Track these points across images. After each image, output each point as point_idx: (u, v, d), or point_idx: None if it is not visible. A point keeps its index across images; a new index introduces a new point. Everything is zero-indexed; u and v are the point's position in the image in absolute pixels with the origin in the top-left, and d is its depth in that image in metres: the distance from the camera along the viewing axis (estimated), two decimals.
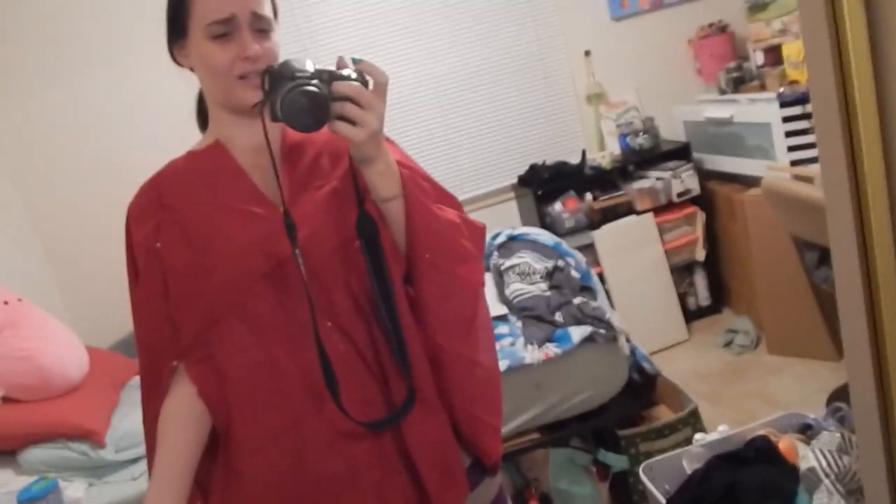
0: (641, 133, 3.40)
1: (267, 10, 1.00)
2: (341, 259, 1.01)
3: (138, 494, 1.99)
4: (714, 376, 2.94)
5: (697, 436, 1.82)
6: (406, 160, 1.07)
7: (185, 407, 1.01)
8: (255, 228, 1.00)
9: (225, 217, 1.01)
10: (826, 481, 1.43)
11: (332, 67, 0.91)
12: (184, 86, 1.16)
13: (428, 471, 1.02)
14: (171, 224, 1.02)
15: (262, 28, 0.99)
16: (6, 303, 2.24)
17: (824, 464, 1.46)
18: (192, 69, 1.04)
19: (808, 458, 1.50)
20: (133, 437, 2.19)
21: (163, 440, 1.01)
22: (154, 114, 3.03)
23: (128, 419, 2.27)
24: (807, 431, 1.72)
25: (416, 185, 1.00)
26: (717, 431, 1.76)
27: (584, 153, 3.43)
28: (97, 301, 3.02)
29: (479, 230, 1.10)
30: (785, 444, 1.63)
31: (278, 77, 0.89)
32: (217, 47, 0.98)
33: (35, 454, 2.05)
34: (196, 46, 1.00)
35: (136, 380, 2.56)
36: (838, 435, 1.54)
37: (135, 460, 2.13)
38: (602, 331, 2.15)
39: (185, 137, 1.16)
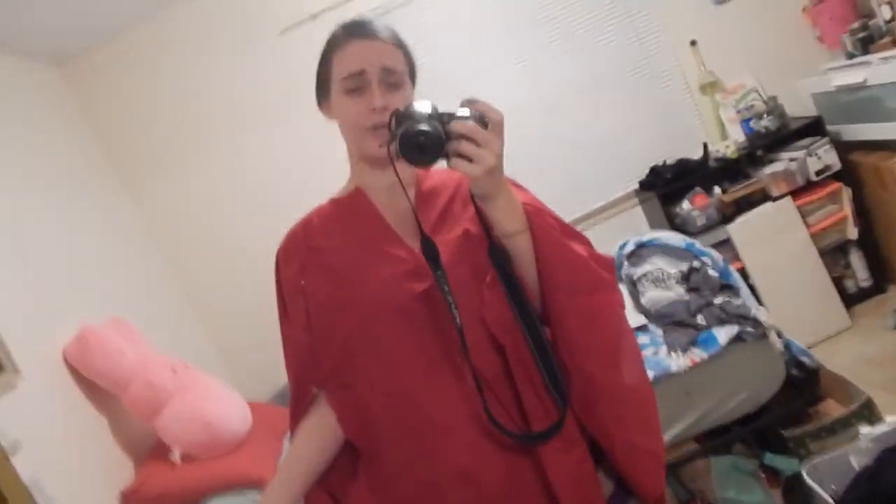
0: (765, 115, 3.21)
1: (398, 65, 1.10)
2: (475, 292, 1.03)
3: None
4: (887, 361, 2.68)
5: (864, 429, 1.68)
6: (534, 202, 1.08)
7: (317, 424, 1.14)
8: (391, 265, 1.07)
9: (364, 255, 1.10)
10: None
11: (450, 109, 0.97)
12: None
13: (569, 502, 1.01)
14: (316, 263, 1.12)
15: (392, 82, 1.08)
16: (175, 371, 2.46)
17: None
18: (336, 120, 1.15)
19: None
20: None
21: (292, 449, 1.16)
22: (296, 178, 3.21)
23: None
24: None
25: (542, 219, 1.02)
26: (887, 423, 1.61)
27: (705, 146, 3.29)
28: (253, 360, 3.27)
29: (608, 262, 1.11)
30: None
31: (401, 118, 0.98)
32: (350, 100, 1.08)
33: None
34: (335, 101, 1.12)
35: None
36: None
37: None
38: (749, 328, 2.06)
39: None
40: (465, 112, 0.96)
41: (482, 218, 1.02)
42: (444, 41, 3.36)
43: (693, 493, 2.19)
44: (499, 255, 1.01)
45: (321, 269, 1.11)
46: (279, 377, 3.23)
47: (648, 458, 1.05)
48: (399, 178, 1.02)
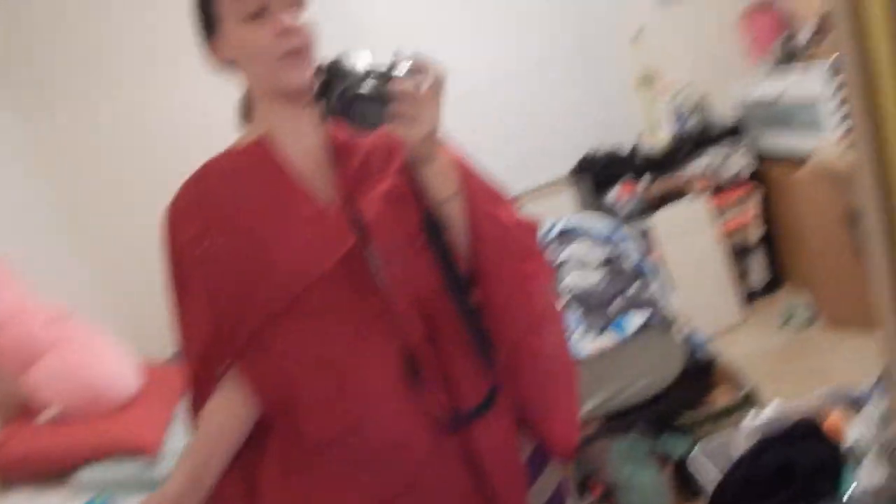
0: (695, 114, 3.37)
1: None
2: (402, 256, 0.99)
3: None
4: (774, 355, 2.93)
5: (748, 417, 1.85)
6: (459, 157, 1.04)
7: (227, 405, 1.01)
8: (309, 225, 0.98)
9: (276, 214, 0.99)
10: (870, 453, 1.44)
11: (387, 63, 0.90)
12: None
13: (495, 470, 1.02)
14: (217, 224, 0.99)
15: (294, 2, 0.97)
16: (54, 320, 2.23)
17: (868, 436, 1.47)
18: (231, 63, 1.01)
19: (855, 429, 1.52)
20: None
21: (198, 439, 1.01)
22: (200, 125, 3.03)
23: (185, 432, 2.29)
24: (855, 404, 1.72)
25: (474, 183, 1.00)
26: (769, 409, 1.78)
27: (638, 137, 3.43)
28: (151, 313, 3.08)
29: (534, 227, 1.10)
30: (832, 419, 1.64)
31: (331, 75, 0.89)
32: (252, 28, 0.95)
33: (89, 474, 1.98)
34: (230, 35, 0.97)
35: None
36: (882, 405, 1.53)
37: None
38: (658, 317, 2.20)
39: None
40: (405, 69, 0.89)
41: (414, 182, 0.98)
42: None
43: (592, 471, 2.34)
44: (433, 223, 0.98)
45: (226, 231, 0.98)
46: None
47: (565, 424, 1.09)
48: (320, 144, 0.98)
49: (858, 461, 1.46)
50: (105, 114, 3.11)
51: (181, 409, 2.29)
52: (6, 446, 1.98)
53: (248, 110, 1.08)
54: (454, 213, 0.98)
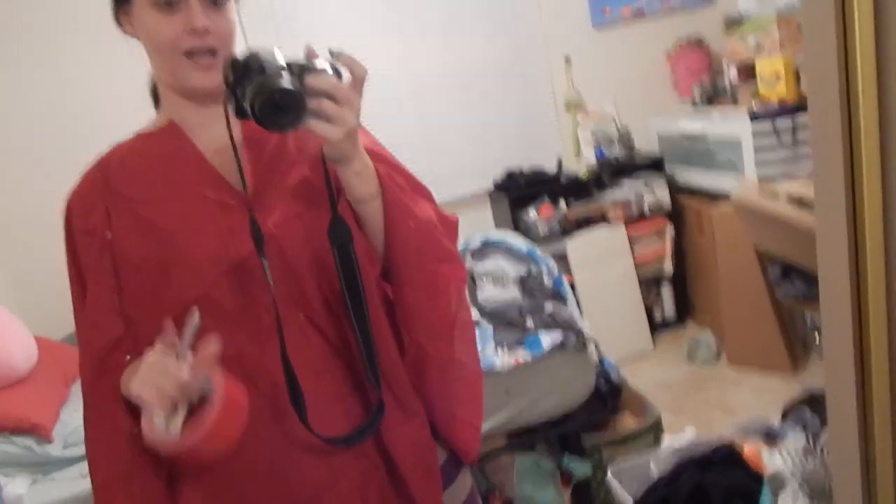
0: (617, 144, 3.42)
1: None
2: (312, 255, 0.95)
3: (85, 492, 1.92)
4: (677, 386, 2.97)
5: (666, 440, 1.84)
6: (377, 148, 1.00)
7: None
8: (219, 217, 0.93)
9: (185, 205, 0.94)
10: (792, 482, 1.46)
11: (302, 59, 0.84)
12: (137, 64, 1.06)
13: (409, 472, 0.99)
14: (122, 212, 0.93)
15: (214, 0, 0.91)
16: None
17: (790, 465, 1.49)
18: (138, 39, 0.95)
19: (774, 461, 1.53)
20: (83, 432, 2.11)
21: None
22: (109, 98, 2.92)
23: (77, 414, 2.18)
24: (770, 437, 1.76)
25: (394, 182, 0.94)
26: (684, 437, 1.78)
27: (559, 161, 3.44)
28: (50, 292, 2.91)
29: (453, 224, 1.07)
30: (749, 448, 1.66)
31: (244, 70, 0.81)
32: (161, 17, 0.89)
33: None
34: (139, 15, 0.91)
35: None
36: (803, 438, 1.58)
37: (82, 458, 2.04)
38: (573, 337, 2.15)
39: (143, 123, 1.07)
40: (324, 64, 0.84)
41: (330, 186, 0.92)
42: None
43: (494, 485, 2.25)
44: (339, 235, 0.91)
45: (130, 219, 0.93)
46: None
47: (468, 429, 1.08)
48: (229, 127, 0.89)
49: (779, 489, 1.46)
50: (21, 81, 2.98)
51: (77, 390, 2.27)
52: None
53: (156, 94, 1.02)
54: (371, 213, 0.93)
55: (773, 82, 2.80)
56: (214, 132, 0.95)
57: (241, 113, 0.83)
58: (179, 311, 0.87)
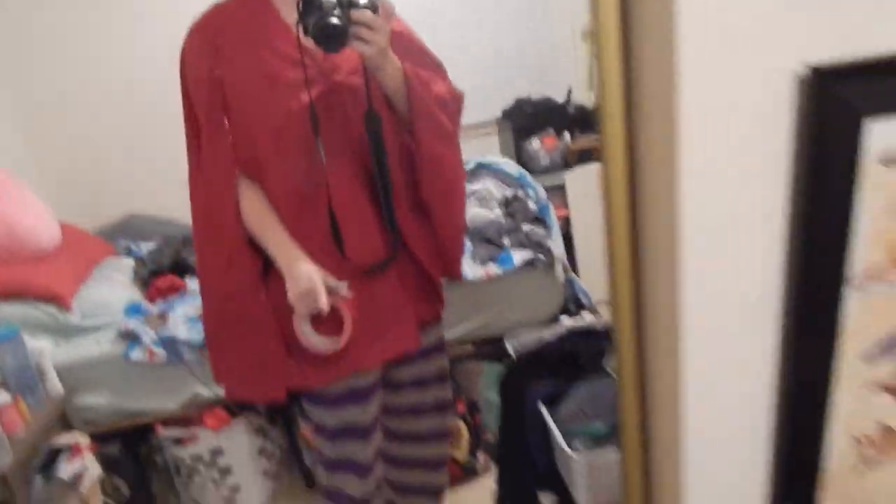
0: None
1: None
2: (358, 118, 1.32)
3: (102, 355, 2.18)
4: None
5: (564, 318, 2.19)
6: (405, 31, 1.43)
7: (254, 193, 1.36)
8: (296, 71, 1.26)
9: (274, 60, 1.28)
10: None
11: None
12: None
13: (428, 263, 1.50)
14: (228, 59, 1.28)
15: None
16: None
17: None
18: None
19: None
20: (102, 307, 2.36)
21: (258, 203, 1.35)
22: None
23: (98, 291, 2.43)
24: None
25: (417, 78, 1.32)
26: (586, 317, 2.02)
27: (569, 91, 3.48)
28: (82, 188, 3.14)
29: (460, 98, 1.48)
30: None
31: (308, 6, 1.17)
32: None
33: (2, 309, 2.15)
34: None
35: (112, 261, 2.72)
36: None
37: (100, 328, 2.29)
38: (542, 256, 2.30)
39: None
40: (364, 2, 1.19)
41: (367, 81, 1.29)
42: None
43: (461, 389, 2.46)
44: (371, 120, 1.31)
45: (235, 66, 1.27)
46: (106, 212, 3.13)
47: (457, 257, 1.58)
48: (303, 59, 1.25)
49: None
50: None
51: (99, 272, 2.56)
52: None
53: None
54: (399, 98, 1.34)
55: None
56: (293, 17, 1.24)
57: (306, 33, 1.19)
58: (259, 150, 1.32)
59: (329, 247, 1.35)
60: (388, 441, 1.72)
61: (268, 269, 1.39)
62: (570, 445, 1.61)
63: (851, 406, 0.85)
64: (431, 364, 1.67)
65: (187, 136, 1.38)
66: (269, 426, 2.49)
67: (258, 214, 1.35)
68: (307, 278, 1.31)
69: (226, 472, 2.33)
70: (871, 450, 0.87)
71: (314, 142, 1.28)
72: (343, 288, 1.35)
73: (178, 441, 2.28)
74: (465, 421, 2.36)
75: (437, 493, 1.94)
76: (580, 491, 1.60)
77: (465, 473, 2.36)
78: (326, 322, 1.37)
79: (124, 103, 3.15)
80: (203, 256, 1.43)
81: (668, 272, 0.82)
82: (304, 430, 2.35)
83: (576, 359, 1.79)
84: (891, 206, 0.74)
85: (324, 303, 1.32)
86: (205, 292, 1.46)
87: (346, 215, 1.35)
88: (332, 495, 1.61)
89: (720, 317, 0.84)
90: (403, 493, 1.88)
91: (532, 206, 2.62)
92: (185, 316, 2.30)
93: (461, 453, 2.35)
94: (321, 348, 1.36)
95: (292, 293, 1.32)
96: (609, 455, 1.49)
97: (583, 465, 1.54)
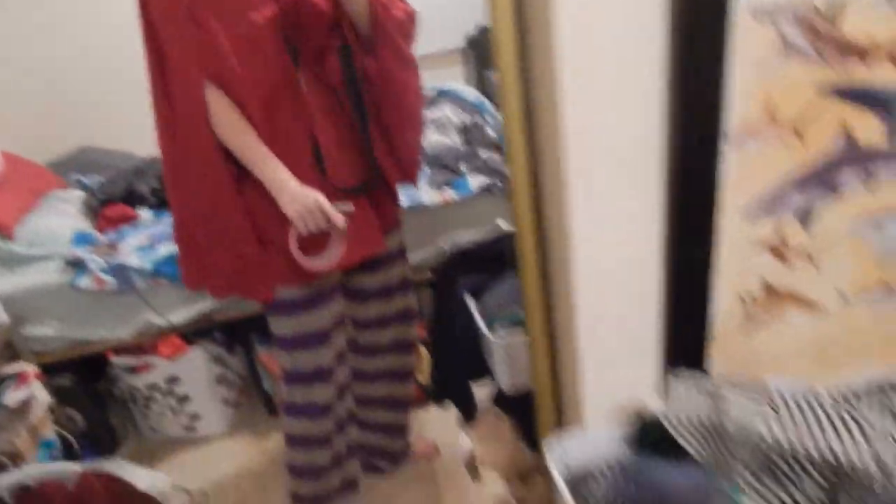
0: None
1: None
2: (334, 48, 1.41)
3: (49, 284, 2.13)
4: None
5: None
6: None
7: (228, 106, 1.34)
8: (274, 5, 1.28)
9: None
10: None
11: None
12: None
13: (389, 170, 1.59)
14: None
15: None
16: None
17: None
18: None
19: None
20: (48, 237, 2.29)
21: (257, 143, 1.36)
22: None
23: (45, 221, 2.34)
24: None
25: (379, 3, 1.38)
26: None
27: None
28: (35, 119, 3.02)
29: (414, 16, 1.49)
30: None
31: None
32: None
33: None
34: None
35: (61, 193, 2.64)
36: None
37: (46, 257, 2.21)
38: (499, 183, 2.27)
39: None
40: None
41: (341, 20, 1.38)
42: None
43: (421, 312, 2.46)
44: (346, 53, 1.40)
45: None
46: (58, 145, 3.01)
47: (416, 158, 1.65)
48: None
49: None
50: None
51: (47, 203, 2.48)
52: None
53: None
54: (363, 23, 1.41)
55: None
56: None
57: None
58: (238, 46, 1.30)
59: (312, 170, 1.41)
60: (354, 354, 1.76)
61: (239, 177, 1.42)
62: (492, 332, 1.67)
63: (736, 265, 0.86)
64: (395, 270, 1.77)
65: (149, 61, 1.34)
66: (227, 355, 2.48)
67: (235, 127, 1.34)
68: (313, 198, 1.36)
69: (184, 399, 2.33)
70: (755, 308, 0.89)
71: (284, 52, 1.33)
72: (350, 207, 1.41)
73: (133, 370, 2.26)
74: (425, 345, 2.37)
75: (405, 405, 1.98)
76: (501, 373, 1.66)
77: (427, 396, 2.38)
78: (309, 239, 1.41)
79: (78, 37, 3.01)
80: (177, 172, 1.44)
81: (553, 131, 0.84)
82: (263, 355, 2.34)
83: (503, 255, 1.85)
84: (762, 58, 0.72)
85: (339, 220, 1.38)
86: (180, 204, 1.48)
87: (326, 138, 1.43)
88: (291, 409, 1.63)
89: (603, 174, 0.86)
90: (371, 405, 1.92)
91: (491, 132, 2.58)
92: (137, 245, 2.25)
93: (423, 376, 2.36)
94: (317, 265, 1.42)
95: (293, 210, 1.35)
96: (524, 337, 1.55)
97: (501, 346, 1.61)
